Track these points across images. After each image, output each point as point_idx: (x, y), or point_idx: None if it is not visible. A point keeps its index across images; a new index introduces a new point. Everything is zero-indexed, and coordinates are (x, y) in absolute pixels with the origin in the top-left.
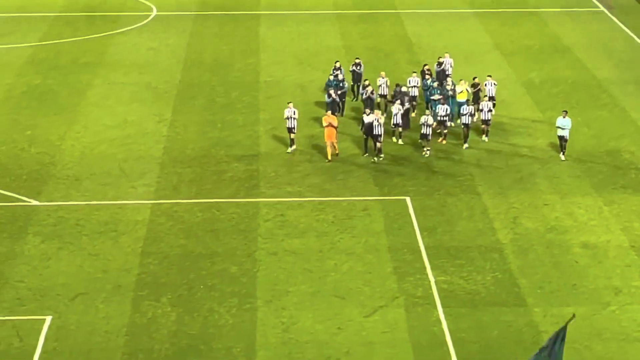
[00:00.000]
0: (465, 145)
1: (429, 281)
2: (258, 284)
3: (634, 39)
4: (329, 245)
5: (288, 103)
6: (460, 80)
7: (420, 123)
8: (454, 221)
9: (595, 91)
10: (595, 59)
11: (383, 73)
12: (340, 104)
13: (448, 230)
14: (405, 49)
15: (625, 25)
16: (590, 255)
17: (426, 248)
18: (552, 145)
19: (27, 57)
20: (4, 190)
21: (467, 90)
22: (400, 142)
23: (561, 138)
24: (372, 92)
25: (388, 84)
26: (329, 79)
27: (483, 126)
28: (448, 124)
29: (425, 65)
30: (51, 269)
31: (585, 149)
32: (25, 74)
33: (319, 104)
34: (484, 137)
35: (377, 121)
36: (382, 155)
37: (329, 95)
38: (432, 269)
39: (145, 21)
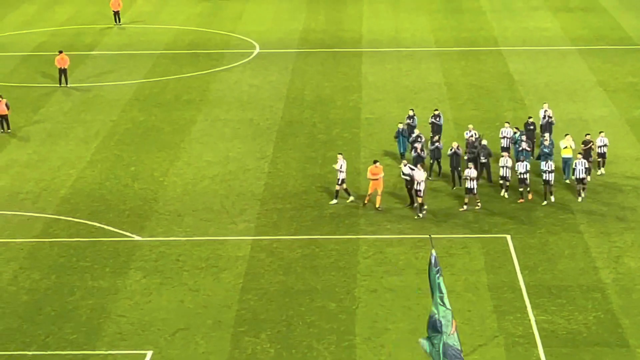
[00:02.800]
0: (580, 197)
1: (529, 320)
2: (357, 321)
3: None
4: (428, 283)
5: (338, 154)
6: (566, 135)
7: (464, 177)
8: (555, 260)
9: None
10: None
11: (470, 126)
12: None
13: (549, 269)
14: (507, 87)
15: None
16: None
17: (527, 287)
18: None
19: (132, 94)
20: (108, 225)
21: (570, 146)
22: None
23: None
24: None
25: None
26: (399, 127)
27: (578, 186)
28: (528, 181)
29: (528, 124)
30: (152, 304)
31: None
32: (129, 111)
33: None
34: (579, 198)
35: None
36: (424, 209)
37: (415, 150)
38: (532, 308)
39: (248, 58)
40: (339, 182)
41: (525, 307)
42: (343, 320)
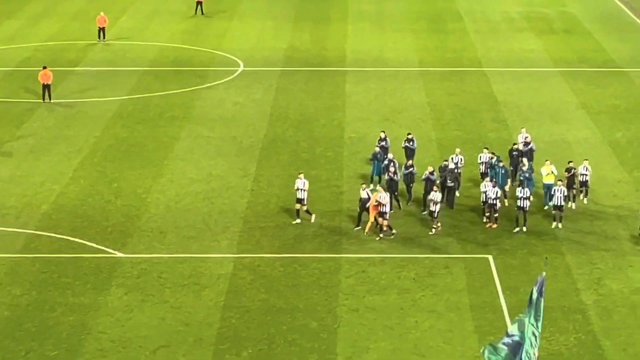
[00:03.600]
0: (555, 224)
1: None
2: (338, 340)
3: None
4: (410, 302)
5: (299, 174)
6: (547, 161)
7: (429, 199)
8: None
9: None
10: None
11: (458, 150)
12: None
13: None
14: (490, 107)
15: None
16: None
17: (508, 307)
18: (639, 205)
19: (115, 111)
20: (90, 241)
21: (552, 172)
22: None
23: None
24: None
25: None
26: (375, 150)
27: (555, 213)
28: (498, 206)
29: (512, 150)
30: (133, 321)
31: None
32: (113, 127)
33: (404, 161)
34: (553, 224)
35: (383, 199)
36: (393, 232)
37: (388, 174)
38: None
39: (232, 76)
40: (302, 202)
41: (507, 327)
42: (324, 339)
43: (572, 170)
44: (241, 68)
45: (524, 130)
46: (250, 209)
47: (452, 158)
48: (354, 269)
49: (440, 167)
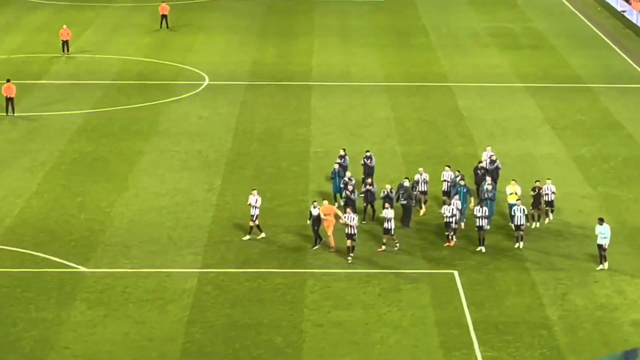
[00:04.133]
0: (517, 245)
1: (476, 356)
2: (303, 355)
3: None
4: (375, 317)
5: (252, 190)
6: (512, 180)
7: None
8: (502, 296)
9: None
10: None
11: (421, 169)
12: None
13: (496, 305)
14: (455, 122)
15: None
16: None
17: (474, 323)
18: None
19: (80, 125)
20: (53, 256)
21: (516, 192)
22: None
23: (600, 247)
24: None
25: (427, 179)
26: (335, 168)
27: (516, 233)
28: (454, 225)
29: (477, 168)
30: (97, 336)
31: (637, 226)
32: (77, 141)
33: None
34: (516, 244)
35: (353, 221)
36: (350, 256)
37: (346, 192)
38: (479, 344)
39: (197, 90)
40: (253, 218)
41: (472, 343)
42: (289, 355)
43: (538, 190)
44: (206, 82)
45: (489, 148)
46: (215, 223)
47: (416, 176)
48: (319, 284)
49: (398, 185)
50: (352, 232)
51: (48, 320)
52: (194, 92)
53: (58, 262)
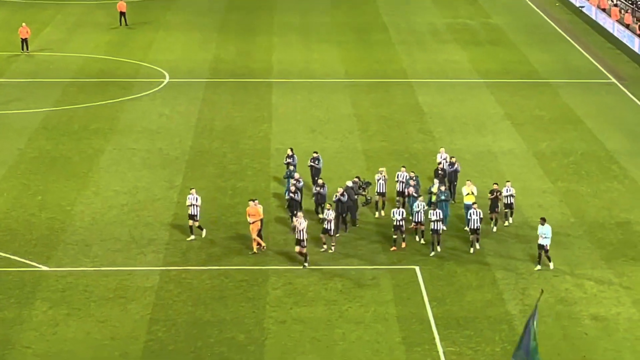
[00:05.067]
0: (472, 249)
1: (437, 351)
2: (266, 352)
3: None
4: (337, 314)
5: (190, 189)
6: (468, 180)
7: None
8: (463, 291)
9: (606, 162)
10: (606, 130)
11: (382, 169)
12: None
13: (457, 301)
14: (416, 118)
15: (636, 97)
16: (600, 327)
17: (435, 318)
18: (563, 215)
19: (39, 123)
20: (13, 255)
21: (472, 192)
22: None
23: (541, 247)
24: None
25: (386, 178)
26: (288, 169)
27: (472, 236)
28: (404, 227)
29: (438, 170)
30: (58, 335)
31: (596, 220)
32: (36, 139)
33: (330, 172)
34: (471, 249)
35: (301, 225)
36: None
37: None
38: (440, 339)
39: (157, 88)
40: (194, 218)
41: (434, 338)
42: (252, 352)
43: (495, 193)
44: (167, 79)
45: (442, 149)
46: (177, 221)
47: (376, 176)
48: (281, 281)
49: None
50: (302, 238)
51: (9, 320)
52: (154, 90)
53: (18, 261)
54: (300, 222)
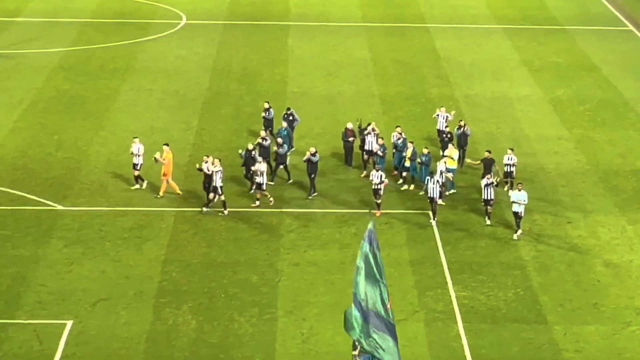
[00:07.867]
0: (432, 221)
1: (450, 296)
2: (279, 294)
3: None
4: (350, 257)
5: (134, 138)
6: (450, 144)
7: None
8: (477, 236)
9: (622, 110)
10: (623, 78)
11: (399, 128)
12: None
13: (470, 246)
14: (432, 63)
15: None
16: (612, 274)
17: (448, 263)
18: (578, 162)
19: (57, 62)
20: (30, 194)
21: (452, 157)
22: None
23: (515, 214)
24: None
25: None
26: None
27: (486, 207)
28: (382, 191)
29: (445, 133)
30: (73, 273)
31: (611, 167)
32: (54, 79)
33: (345, 115)
34: (488, 221)
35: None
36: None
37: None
38: (453, 284)
39: (174, 29)
40: (137, 167)
41: (446, 283)
42: (265, 293)
43: (486, 160)
44: (184, 21)
45: (442, 108)
46: (192, 162)
47: (394, 134)
48: (295, 224)
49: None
50: (261, 182)
51: (25, 258)
52: (171, 31)
53: (35, 200)
54: (260, 167)
